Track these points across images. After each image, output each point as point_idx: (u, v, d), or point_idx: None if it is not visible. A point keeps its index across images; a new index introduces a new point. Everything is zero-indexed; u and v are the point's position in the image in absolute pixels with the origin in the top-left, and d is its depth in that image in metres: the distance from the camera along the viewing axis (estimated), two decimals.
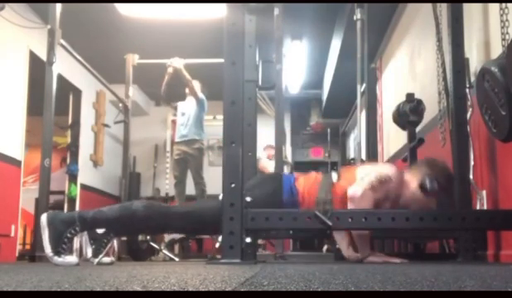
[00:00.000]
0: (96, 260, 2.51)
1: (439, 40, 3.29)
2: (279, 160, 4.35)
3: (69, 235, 2.36)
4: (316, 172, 2.69)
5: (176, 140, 6.21)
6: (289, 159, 7.91)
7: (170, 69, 5.89)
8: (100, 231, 2.54)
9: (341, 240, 2.76)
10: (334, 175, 2.57)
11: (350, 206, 2.43)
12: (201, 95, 6.05)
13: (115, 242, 2.66)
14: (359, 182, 2.46)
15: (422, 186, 2.47)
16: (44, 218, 2.36)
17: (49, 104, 3.64)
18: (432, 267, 1.68)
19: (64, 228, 2.35)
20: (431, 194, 2.48)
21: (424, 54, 4.32)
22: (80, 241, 2.54)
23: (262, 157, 7.20)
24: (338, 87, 7.07)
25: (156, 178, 8.81)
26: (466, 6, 2.90)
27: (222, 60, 2.14)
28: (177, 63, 5.85)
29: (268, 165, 6.94)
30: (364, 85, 4.48)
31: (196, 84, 6.16)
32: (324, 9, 5.77)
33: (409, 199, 2.52)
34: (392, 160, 5.14)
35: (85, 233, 2.53)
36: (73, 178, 6.93)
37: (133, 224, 2.57)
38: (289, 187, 2.54)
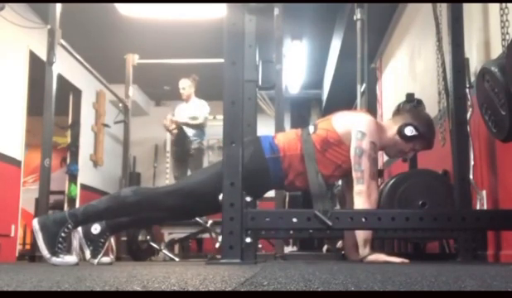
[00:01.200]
0: (96, 260, 2.51)
1: (439, 40, 3.29)
2: None
3: (63, 234, 2.36)
4: (294, 129, 2.74)
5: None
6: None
7: (173, 126, 6.06)
8: (95, 231, 2.55)
9: (348, 238, 2.78)
10: (311, 128, 2.60)
11: (359, 202, 2.46)
12: (205, 115, 6.12)
13: (112, 241, 2.66)
14: (358, 179, 2.48)
15: (400, 132, 2.58)
16: (35, 222, 2.36)
17: (49, 104, 3.64)
18: (432, 267, 1.68)
19: (57, 229, 2.35)
20: (408, 141, 2.60)
21: (424, 54, 4.32)
22: (77, 243, 2.54)
23: None
24: (338, 87, 7.07)
25: (157, 178, 8.81)
26: (466, 6, 2.90)
27: (222, 60, 2.15)
28: (180, 118, 6.02)
29: None
30: (364, 85, 4.48)
31: (187, 83, 6.18)
32: (324, 9, 5.76)
33: (388, 142, 2.63)
34: (391, 159, 5.14)
35: (81, 234, 2.54)
36: (73, 178, 6.93)
37: (124, 211, 2.56)
38: (269, 145, 2.53)
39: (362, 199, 2.46)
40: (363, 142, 2.48)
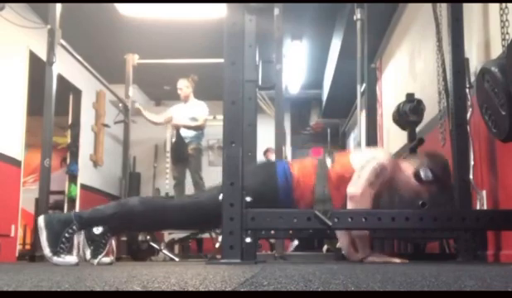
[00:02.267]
0: (96, 260, 2.51)
1: (439, 40, 3.29)
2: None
3: (67, 235, 2.36)
4: (310, 158, 2.71)
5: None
6: (289, 159, 7.91)
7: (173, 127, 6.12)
8: (97, 231, 2.54)
9: (343, 238, 2.77)
10: (328, 161, 2.56)
11: (349, 205, 2.43)
12: (205, 116, 6.14)
13: (113, 242, 2.66)
14: (356, 180, 2.45)
15: (416, 174, 2.51)
16: (41, 219, 2.36)
17: (49, 104, 3.64)
18: (432, 267, 1.68)
19: (61, 228, 2.35)
20: (424, 184, 2.52)
21: (424, 54, 4.32)
22: (78, 243, 2.54)
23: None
24: (338, 87, 7.07)
25: (157, 178, 8.81)
26: (466, 6, 2.90)
27: (222, 60, 2.14)
28: (178, 121, 6.03)
29: None
30: (364, 85, 4.48)
31: (185, 83, 6.18)
32: (324, 9, 5.77)
33: (402, 185, 2.57)
34: None
35: (83, 234, 2.54)
36: (73, 178, 6.93)
37: (131, 220, 2.57)
38: (283, 173, 2.52)
39: (353, 205, 2.42)
40: (377, 160, 2.46)
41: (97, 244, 2.54)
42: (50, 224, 2.35)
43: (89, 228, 2.53)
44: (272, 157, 7.41)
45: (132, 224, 2.67)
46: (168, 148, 8.48)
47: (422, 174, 2.49)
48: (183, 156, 6.09)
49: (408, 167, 2.58)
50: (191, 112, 6.12)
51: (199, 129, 6.14)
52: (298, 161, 2.72)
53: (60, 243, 2.34)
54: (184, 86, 6.19)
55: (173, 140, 6.21)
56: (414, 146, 3.52)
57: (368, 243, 2.51)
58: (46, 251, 2.33)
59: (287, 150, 8.55)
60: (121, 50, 6.01)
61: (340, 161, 2.55)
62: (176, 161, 6.28)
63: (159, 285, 0.88)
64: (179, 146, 6.12)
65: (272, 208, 2.52)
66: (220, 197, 1.99)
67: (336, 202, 2.48)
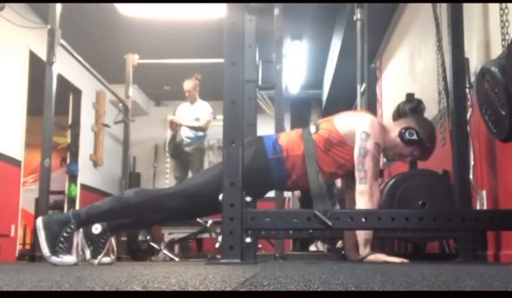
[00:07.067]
0: (96, 260, 2.51)
1: (439, 40, 3.29)
2: None
3: (65, 234, 2.37)
4: (295, 129, 2.74)
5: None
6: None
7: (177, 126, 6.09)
8: (96, 231, 2.55)
9: (348, 238, 2.78)
10: (312, 128, 2.60)
11: (361, 202, 2.46)
12: (208, 118, 6.12)
13: (113, 242, 2.66)
14: (361, 178, 2.47)
15: (401, 135, 2.60)
16: (39, 221, 2.38)
17: (49, 104, 3.64)
18: (432, 267, 1.68)
19: (59, 229, 2.36)
20: (408, 144, 2.61)
21: (424, 54, 4.32)
22: (77, 243, 2.55)
23: None
24: (338, 87, 7.07)
25: (157, 178, 8.81)
26: (466, 6, 2.89)
27: (222, 60, 2.14)
28: (183, 120, 6.04)
29: None
30: (364, 85, 4.48)
31: (191, 85, 6.18)
32: (324, 9, 5.76)
33: (388, 144, 2.63)
34: None
35: (81, 234, 2.54)
36: (73, 178, 6.93)
37: (127, 213, 2.57)
38: (272, 145, 2.53)
39: (364, 199, 2.46)
40: (367, 143, 2.48)
41: (96, 244, 2.54)
42: (48, 225, 2.35)
43: (87, 227, 2.53)
44: None
45: (129, 218, 2.66)
46: (168, 148, 8.50)
47: (407, 134, 2.58)
48: (181, 153, 6.10)
49: (393, 128, 2.65)
50: (196, 113, 6.13)
51: (201, 130, 6.14)
52: (285, 133, 2.77)
53: (59, 243, 2.34)
54: (191, 88, 6.19)
55: (177, 139, 6.18)
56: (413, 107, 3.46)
57: (368, 243, 2.51)
58: (45, 251, 2.33)
59: None
60: (121, 50, 6.00)
61: (324, 126, 2.58)
62: (175, 157, 6.28)
63: (159, 285, 0.88)
64: (178, 143, 6.13)
65: (268, 182, 2.56)
66: (220, 197, 1.99)
67: (326, 166, 2.52)
